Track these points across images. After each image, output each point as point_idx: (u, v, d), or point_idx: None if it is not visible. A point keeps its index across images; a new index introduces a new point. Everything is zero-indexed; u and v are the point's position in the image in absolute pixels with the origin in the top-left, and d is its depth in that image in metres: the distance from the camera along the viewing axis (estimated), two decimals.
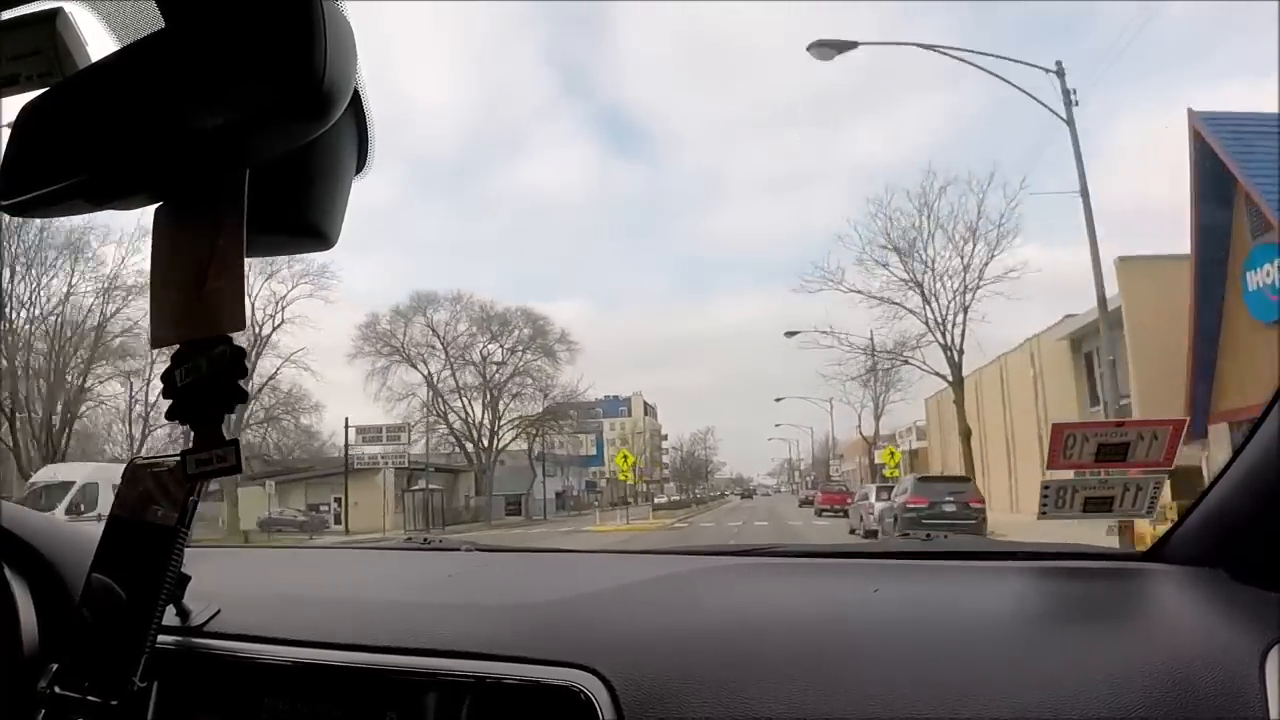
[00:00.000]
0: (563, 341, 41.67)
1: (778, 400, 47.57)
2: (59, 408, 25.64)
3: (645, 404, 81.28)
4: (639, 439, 67.92)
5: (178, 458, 0.81)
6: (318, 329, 37.64)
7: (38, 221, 17.13)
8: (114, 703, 0.77)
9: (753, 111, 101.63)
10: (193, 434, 0.71)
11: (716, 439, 78.89)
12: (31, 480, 19.57)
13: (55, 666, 0.83)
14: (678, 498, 61.53)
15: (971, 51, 15.21)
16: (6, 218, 0.72)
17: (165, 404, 0.71)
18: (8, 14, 0.69)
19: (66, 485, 17.33)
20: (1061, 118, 14.32)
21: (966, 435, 22.93)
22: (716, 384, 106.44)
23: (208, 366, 0.68)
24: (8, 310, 23.89)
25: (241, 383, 0.68)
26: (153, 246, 0.70)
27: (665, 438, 76.60)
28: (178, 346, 0.70)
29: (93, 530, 0.96)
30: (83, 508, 15.57)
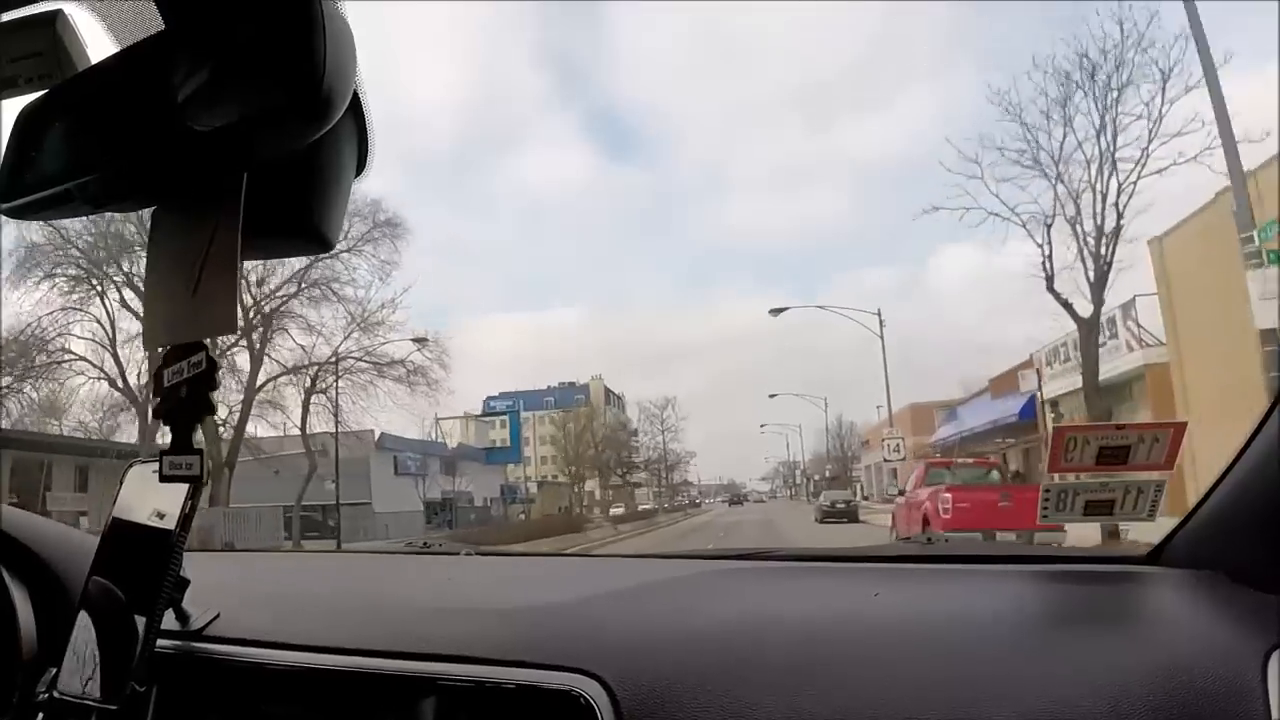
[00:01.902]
0: (386, 226, 24.10)
1: (776, 313, 27.44)
2: None
3: (608, 391, 61.96)
4: (584, 430, 48.19)
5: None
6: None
7: None
8: (113, 707, 0.77)
9: (751, 108, 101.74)
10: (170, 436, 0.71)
11: (680, 416, 59.39)
12: None
13: (54, 671, 0.83)
14: (649, 506, 48.06)
15: None
16: (6, 220, 0.72)
17: None
18: (7, 16, 0.69)
19: None
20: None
21: None
22: (711, 389, 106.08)
23: (188, 371, 0.69)
24: None
25: (213, 395, 0.68)
26: (149, 248, 0.70)
27: (635, 434, 56.74)
28: (169, 347, 0.70)
29: (92, 533, 0.95)
30: None
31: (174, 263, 0.67)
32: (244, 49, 0.55)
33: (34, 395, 21.91)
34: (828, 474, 50.10)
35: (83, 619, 0.83)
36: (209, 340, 0.69)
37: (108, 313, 22.54)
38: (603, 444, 48.69)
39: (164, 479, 0.72)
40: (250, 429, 23.61)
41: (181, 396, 0.69)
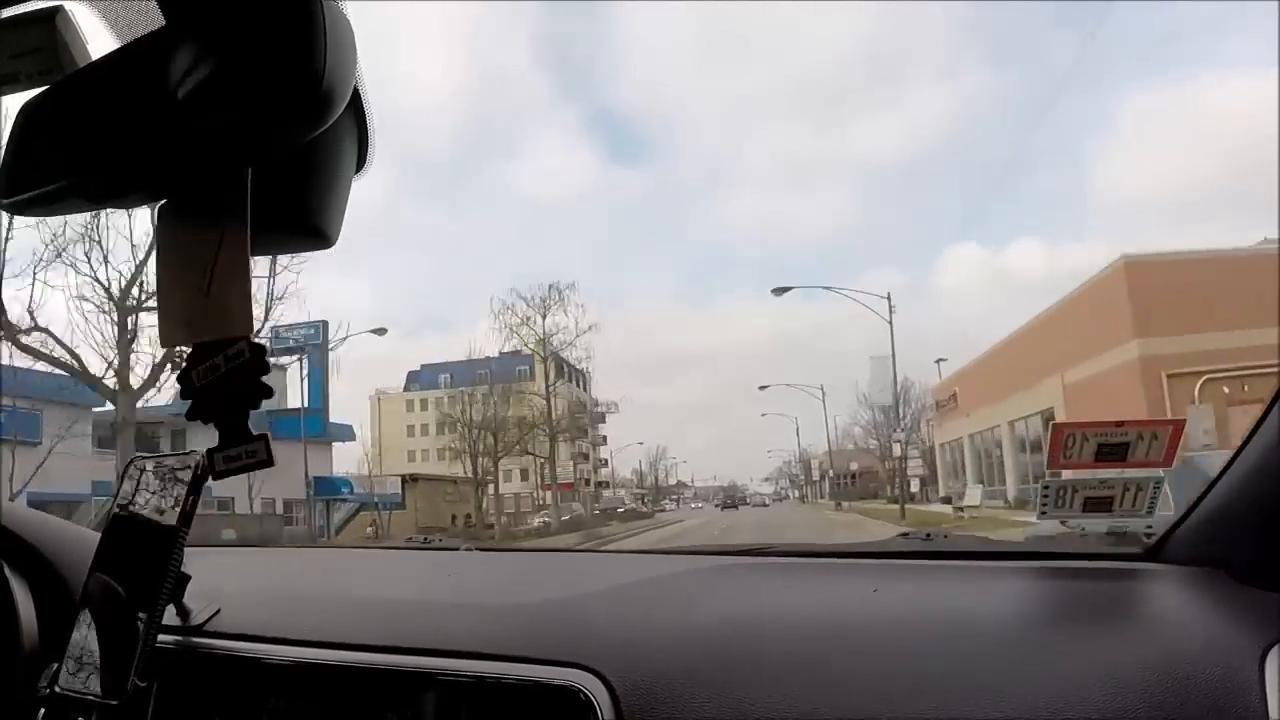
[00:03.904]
0: None
1: (779, 293, 21.78)
2: None
3: (564, 364, 41.04)
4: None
5: (178, 455, 0.81)
6: None
7: None
8: (114, 702, 0.77)
9: (755, 106, 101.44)
10: (218, 432, 0.72)
11: (586, 325, 34.15)
12: None
13: (55, 666, 0.83)
14: (626, 508, 36.63)
15: None
16: (6, 217, 0.73)
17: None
18: (7, 12, 0.69)
19: None
20: None
21: None
22: (712, 395, 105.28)
23: (225, 365, 0.69)
24: None
25: (265, 379, 0.69)
26: (158, 245, 0.71)
27: (603, 417, 39.94)
28: (191, 347, 0.71)
29: (93, 529, 0.96)
30: None
31: (184, 261, 0.67)
32: (244, 45, 0.55)
33: None
34: (891, 454, 26.98)
35: (84, 615, 0.84)
36: None
37: None
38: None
39: (219, 475, 0.73)
40: None
41: (228, 388, 0.70)
